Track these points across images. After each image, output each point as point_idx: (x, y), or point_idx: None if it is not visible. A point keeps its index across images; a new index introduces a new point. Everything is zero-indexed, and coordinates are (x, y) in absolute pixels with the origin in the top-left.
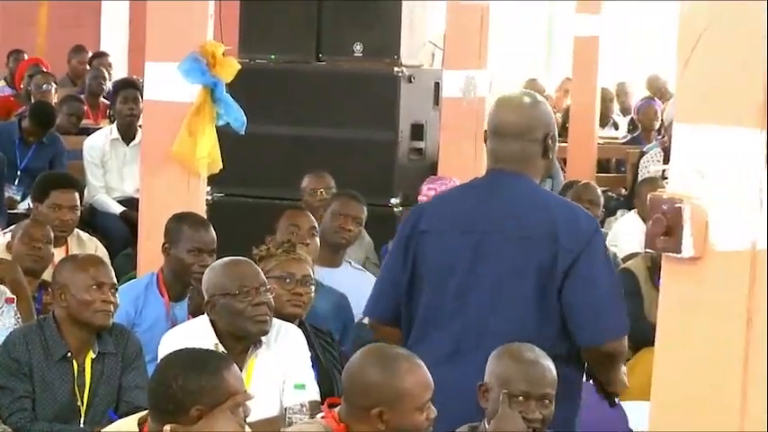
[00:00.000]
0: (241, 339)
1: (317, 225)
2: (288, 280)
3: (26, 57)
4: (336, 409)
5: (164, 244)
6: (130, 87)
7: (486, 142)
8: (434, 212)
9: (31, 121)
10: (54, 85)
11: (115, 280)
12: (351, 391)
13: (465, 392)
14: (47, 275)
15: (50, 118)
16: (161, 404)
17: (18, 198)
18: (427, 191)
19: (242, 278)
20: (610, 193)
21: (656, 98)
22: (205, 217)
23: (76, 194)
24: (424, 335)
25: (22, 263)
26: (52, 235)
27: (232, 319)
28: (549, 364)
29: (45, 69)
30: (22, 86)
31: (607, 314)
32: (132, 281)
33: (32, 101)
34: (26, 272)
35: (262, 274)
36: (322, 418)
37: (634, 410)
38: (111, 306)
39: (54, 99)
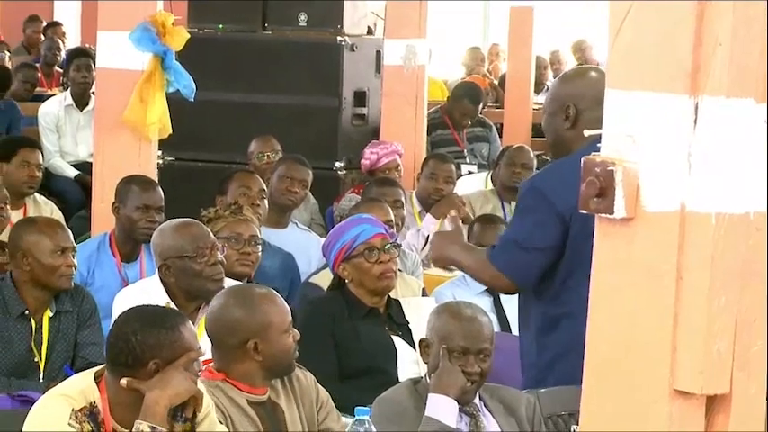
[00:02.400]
0: (196, 298)
1: (265, 188)
2: (236, 240)
3: None
4: (210, 365)
5: (113, 204)
6: (84, 56)
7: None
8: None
9: None
10: (8, 54)
11: (74, 243)
12: (220, 336)
13: None
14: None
15: (6, 80)
16: (119, 358)
17: None
18: (369, 155)
19: (197, 240)
20: (544, 157)
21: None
22: (156, 180)
23: (40, 154)
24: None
25: None
26: (8, 197)
27: (189, 279)
28: (486, 320)
29: None
30: None
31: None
32: (85, 241)
33: None
34: None
35: (212, 234)
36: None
37: None
38: (73, 269)
39: (9, 68)
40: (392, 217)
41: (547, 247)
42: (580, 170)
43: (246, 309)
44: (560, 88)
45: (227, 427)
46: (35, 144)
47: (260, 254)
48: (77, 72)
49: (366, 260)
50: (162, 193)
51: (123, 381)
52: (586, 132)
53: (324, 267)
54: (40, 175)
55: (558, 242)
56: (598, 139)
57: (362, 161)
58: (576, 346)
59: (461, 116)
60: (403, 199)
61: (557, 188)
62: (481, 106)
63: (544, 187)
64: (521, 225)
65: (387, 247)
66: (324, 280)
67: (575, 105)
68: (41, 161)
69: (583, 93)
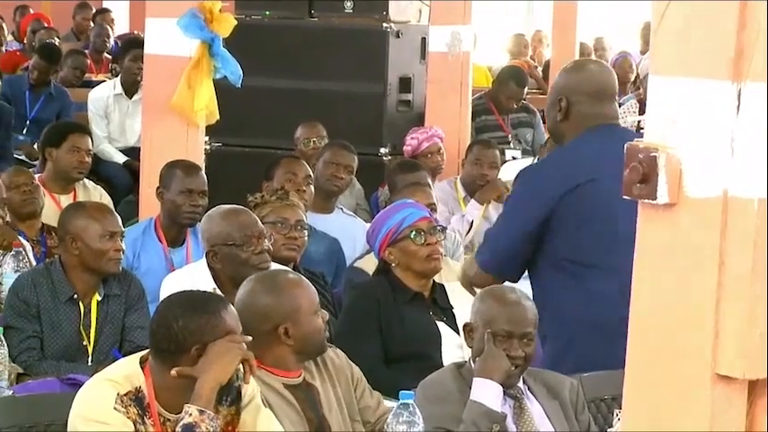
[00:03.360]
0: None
1: (311, 173)
2: (282, 225)
3: (31, 12)
4: None
5: (158, 188)
6: (139, 47)
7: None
8: (583, 164)
9: (38, 58)
10: (57, 40)
11: (122, 228)
12: (251, 324)
13: None
14: (49, 220)
15: (55, 55)
16: (162, 344)
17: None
18: (410, 140)
19: (244, 228)
20: None
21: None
22: (203, 165)
23: (90, 139)
24: (581, 277)
25: (21, 210)
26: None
27: (236, 266)
28: (530, 304)
29: (47, 24)
30: (26, 41)
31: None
32: (131, 226)
33: None
34: (24, 218)
35: (260, 222)
36: None
37: None
38: (121, 254)
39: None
40: (434, 200)
41: (523, 232)
42: (568, 159)
43: (275, 295)
44: (557, 80)
45: None
46: (85, 129)
47: (306, 239)
48: (133, 62)
49: (413, 243)
50: (205, 177)
51: (173, 371)
52: None
53: (368, 252)
54: (89, 160)
55: (535, 227)
56: (589, 131)
57: (404, 147)
58: (590, 328)
59: (507, 99)
60: (429, 180)
61: (543, 175)
62: (526, 90)
63: (531, 175)
64: (501, 217)
65: (433, 230)
66: (369, 264)
67: (567, 98)
68: (91, 147)
69: (576, 86)
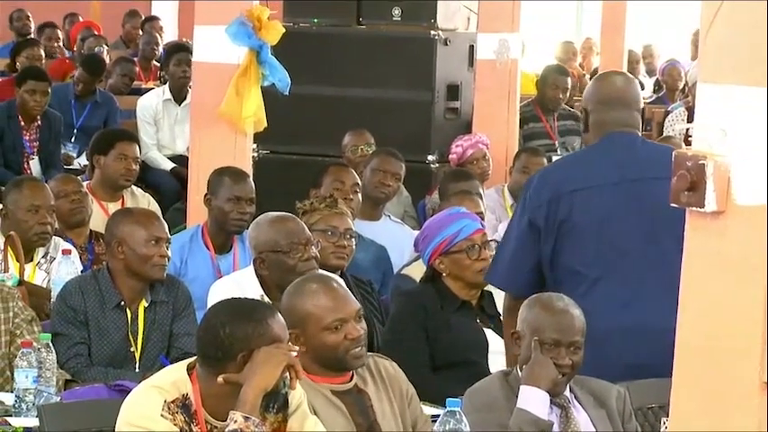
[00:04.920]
0: None
1: (359, 181)
2: (331, 233)
3: (80, 20)
4: None
5: (206, 195)
6: (183, 51)
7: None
8: (573, 174)
9: (82, 71)
10: (106, 47)
11: (169, 234)
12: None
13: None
14: (97, 227)
15: (100, 66)
16: (209, 351)
17: (74, 155)
18: (455, 148)
19: (291, 235)
20: None
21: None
22: (251, 173)
23: (137, 147)
24: (588, 285)
25: (70, 218)
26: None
27: (283, 274)
28: (577, 312)
29: (96, 32)
30: (75, 49)
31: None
32: (178, 233)
33: None
34: (72, 226)
35: (307, 229)
36: None
37: None
38: (166, 260)
39: (106, 61)
40: (483, 209)
41: (518, 242)
42: (558, 168)
43: (289, 298)
44: (584, 92)
45: None
46: (132, 137)
47: (354, 247)
48: (177, 67)
49: (468, 256)
50: (253, 185)
51: (220, 378)
52: None
53: (416, 259)
54: (136, 167)
55: (528, 236)
56: (601, 139)
57: (450, 156)
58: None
59: (554, 91)
60: (481, 190)
61: (533, 185)
62: (570, 83)
63: (525, 186)
64: (506, 231)
65: (486, 244)
66: (416, 272)
67: (585, 108)
68: (138, 154)
69: (591, 96)
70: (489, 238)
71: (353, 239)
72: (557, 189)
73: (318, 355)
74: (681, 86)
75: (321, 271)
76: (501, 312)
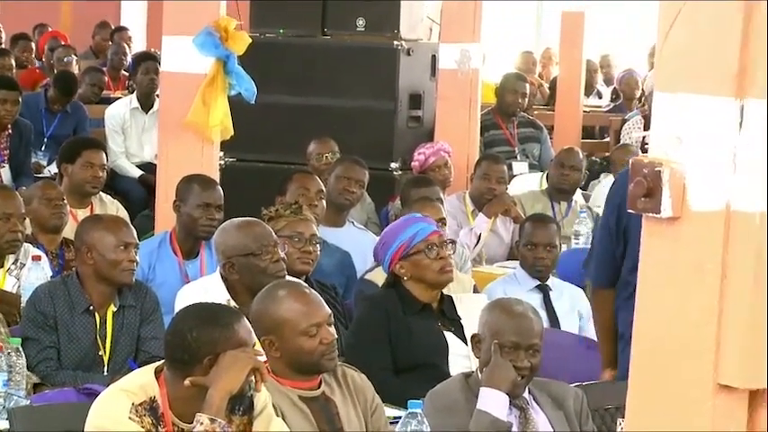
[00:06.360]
0: None
1: (323, 188)
2: (297, 239)
3: (49, 30)
4: None
5: (175, 202)
6: (150, 60)
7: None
8: None
9: (55, 90)
10: (75, 57)
11: (137, 240)
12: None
13: None
14: (66, 233)
15: (72, 86)
16: (176, 354)
17: (44, 163)
18: (418, 156)
19: (260, 238)
20: (594, 158)
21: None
22: (218, 180)
23: (104, 155)
24: (629, 294)
25: (47, 223)
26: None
27: (254, 276)
28: (536, 317)
29: (64, 43)
30: (45, 59)
31: None
32: (147, 239)
33: (55, 72)
34: (48, 231)
35: (273, 232)
36: None
37: None
38: (135, 265)
39: (75, 70)
40: (444, 215)
41: (601, 236)
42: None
43: (261, 304)
44: None
45: None
46: (98, 145)
47: (319, 252)
48: (144, 75)
49: (426, 256)
50: (221, 192)
51: (187, 381)
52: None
53: (378, 265)
54: (103, 175)
55: (608, 231)
56: None
57: (413, 163)
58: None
59: (513, 96)
60: (442, 196)
61: (623, 177)
62: (528, 89)
63: (618, 177)
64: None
65: (444, 243)
66: (378, 277)
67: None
68: (105, 161)
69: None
70: (450, 241)
71: (318, 245)
72: (625, 195)
73: (294, 359)
74: (637, 95)
75: (289, 277)
76: (461, 316)
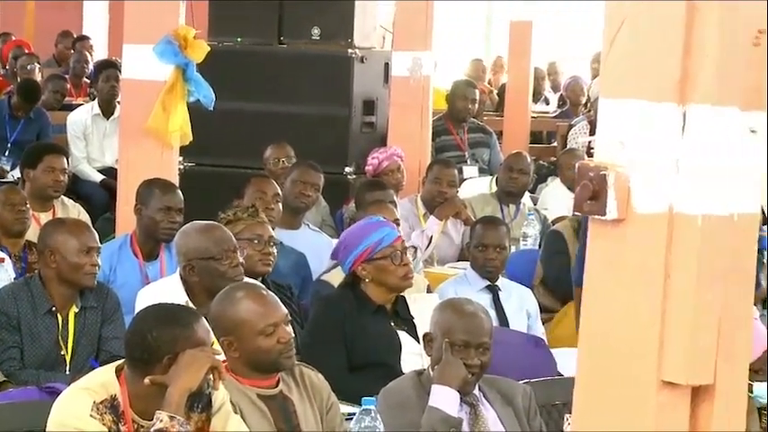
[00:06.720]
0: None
1: (280, 192)
2: (257, 241)
3: (13, 38)
4: None
5: (136, 205)
6: (111, 67)
7: None
8: None
9: (19, 97)
10: (38, 65)
11: (99, 244)
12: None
13: None
14: (29, 236)
15: (36, 94)
16: (136, 353)
17: (8, 168)
18: (372, 160)
19: (221, 243)
20: (541, 162)
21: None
22: (177, 184)
23: (65, 159)
24: None
25: (11, 228)
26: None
27: (213, 279)
28: (485, 315)
29: (28, 51)
30: (8, 67)
31: None
32: (108, 242)
33: (18, 80)
34: (12, 235)
35: (234, 238)
36: None
37: (562, 356)
38: (97, 268)
39: (38, 78)
40: (398, 216)
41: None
42: None
43: (220, 305)
44: None
45: None
46: (59, 150)
47: (276, 253)
48: (105, 83)
49: (392, 262)
50: (181, 195)
51: (147, 380)
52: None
53: (334, 266)
54: (64, 179)
55: None
56: None
57: (366, 168)
58: None
59: (463, 102)
60: (395, 199)
61: None
62: (477, 95)
63: None
64: None
65: (406, 250)
66: (336, 278)
67: None
68: (66, 166)
69: None
70: (411, 247)
71: (275, 247)
72: None
73: (252, 359)
74: (583, 101)
75: (247, 279)
76: (414, 315)
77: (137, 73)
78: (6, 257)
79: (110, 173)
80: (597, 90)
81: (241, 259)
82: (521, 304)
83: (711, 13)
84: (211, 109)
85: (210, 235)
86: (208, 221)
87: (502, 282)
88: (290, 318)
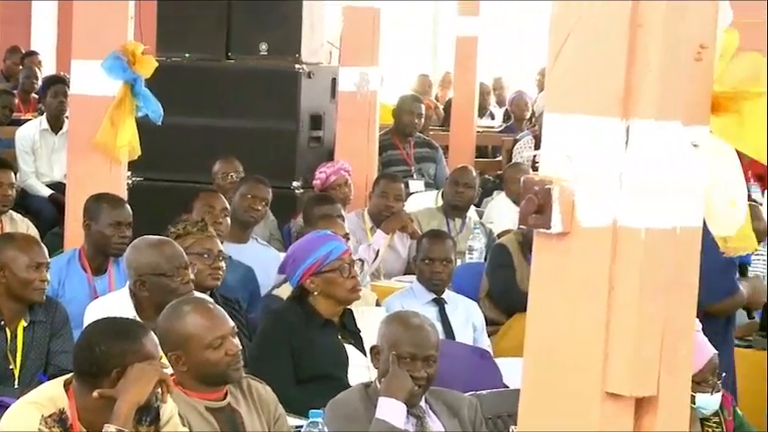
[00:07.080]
0: None
1: (228, 206)
2: (207, 255)
3: None
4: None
5: (84, 221)
6: (60, 83)
7: None
8: None
9: None
10: None
11: (48, 259)
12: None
13: None
14: None
15: None
16: (85, 367)
17: None
18: (319, 174)
19: (173, 259)
20: (487, 176)
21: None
22: (125, 199)
23: (12, 174)
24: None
25: None
26: None
27: (164, 295)
28: (432, 328)
29: None
30: None
31: None
32: (56, 256)
33: None
34: None
35: (185, 253)
36: None
37: (508, 367)
38: (46, 284)
39: None
40: (347, 230)
41: None
42: None
43: (168, 320)
44: None
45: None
46: (6, 164)
47: (225, 267)
48: (54, 98)
49: (340, 275)
50: (130, 210)
51: (95, 393)
52: None
53: (284, 281)
54: (11, 193)
55: None
56: None
57: (314, 182)
58: None
59: (409, 117)
60: (342, 213)
61: None
62: (424, 109)
63: None
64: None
65: (353, 263)
66: (286, 293)
67: None
68: (13, 180)
69: None
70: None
71: (224, 261)
72: None
73: (201, 372)
74: (527, 116)
75: (196, 293)
76: (361, 328)
77: (85, 88)
78: None
79: (58, 188)
80: (542, 104)
81: (192, 276)
82: (467, 317)
83: (654, 29)
84: (160, 124)
85: (162, 251)
86: (159, 237)
87: (448, 295)
88: (236, 330)
